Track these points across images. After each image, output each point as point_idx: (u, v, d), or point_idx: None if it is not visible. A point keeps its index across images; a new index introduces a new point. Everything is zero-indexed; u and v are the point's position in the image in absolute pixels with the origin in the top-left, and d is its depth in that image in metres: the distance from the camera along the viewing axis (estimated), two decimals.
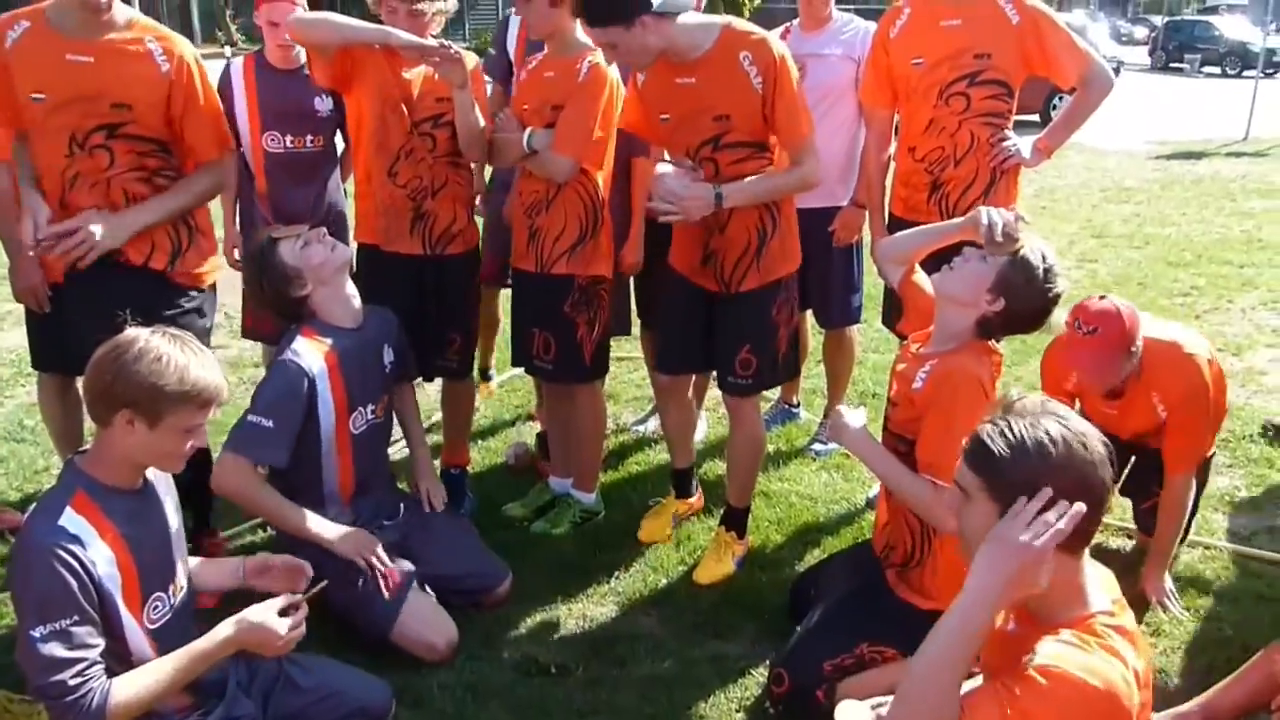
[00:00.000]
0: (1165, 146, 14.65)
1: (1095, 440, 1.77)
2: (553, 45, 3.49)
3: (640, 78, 3.32)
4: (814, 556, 3.58)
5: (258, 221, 4.04)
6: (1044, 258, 2.59)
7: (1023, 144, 3.60)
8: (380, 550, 3.02)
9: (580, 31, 3.44)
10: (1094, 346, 3.02)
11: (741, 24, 3.18)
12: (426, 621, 3.03)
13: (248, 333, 4.34)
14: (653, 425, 4.67)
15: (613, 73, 3.45)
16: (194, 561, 2.59)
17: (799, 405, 4.90)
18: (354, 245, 3.60)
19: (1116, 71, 23.79)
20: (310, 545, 2.94)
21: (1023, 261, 2.57)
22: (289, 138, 3.98)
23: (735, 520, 3.58)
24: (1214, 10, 39.06)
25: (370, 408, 3.18)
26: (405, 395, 3.54)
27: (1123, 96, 22.04)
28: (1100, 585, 1.84)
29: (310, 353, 3.02)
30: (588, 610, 3.31)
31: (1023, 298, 2.58)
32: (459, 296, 3.75)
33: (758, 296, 3.33)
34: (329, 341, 3.06)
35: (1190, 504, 3.32)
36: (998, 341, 2.73)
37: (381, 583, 2.98)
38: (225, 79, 3.98)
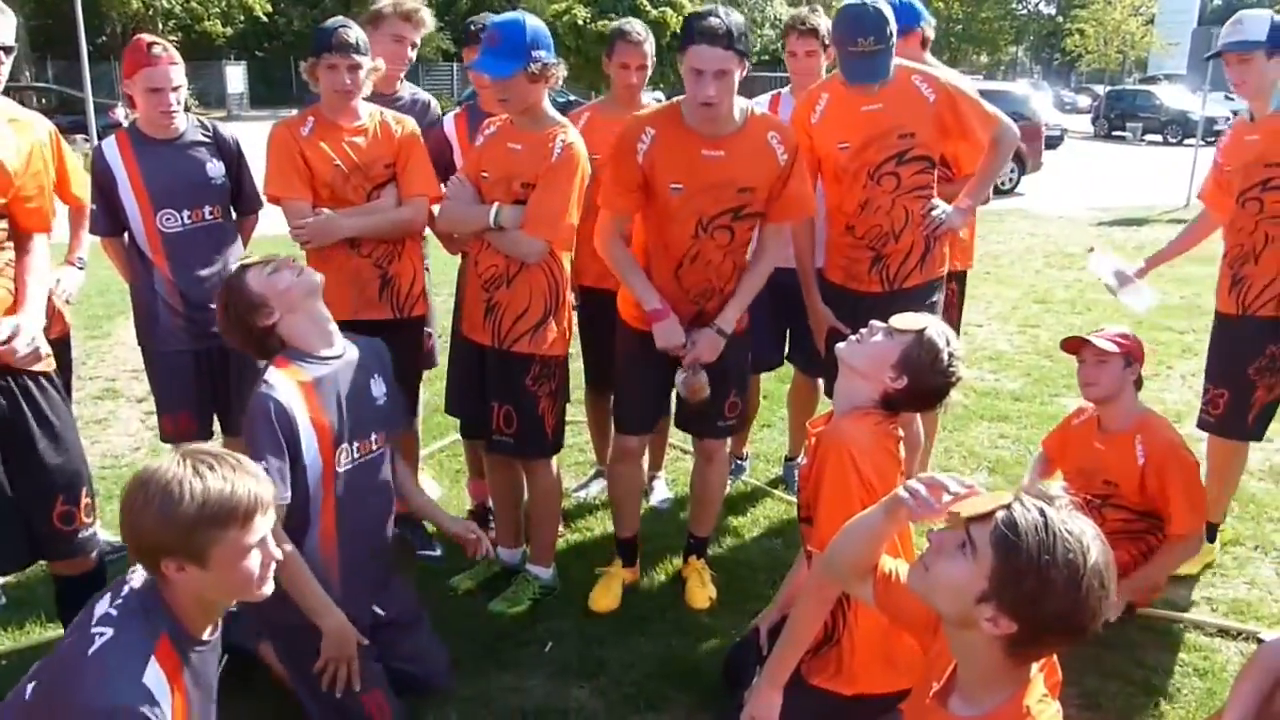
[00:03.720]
0: (1108, 213, 15.00)
1: (1109, 578, 1.65)
2: (521, 120, 3.43)
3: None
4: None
5: (160, 311, 3.72)
6: (948, 341, 2.61)
7: (946, 208, 3.70)
8: (355, 664, 2.84)
9: (550, 106, 3.46)
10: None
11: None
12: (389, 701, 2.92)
13: (167, 437, 3.94)
14: (594, 490, 4.64)
15: (582, 150, 3.42)
16: None
17: (747, 458, 4.96)
18: None
19: (1060, 139, 24.75)
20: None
21: (929, 342, 2.58)
22: (186, 213, 3.67)
23: (703, 548, 3.87)
24: (1154, 80, 40.34)
25: (356, 444, 2.96)
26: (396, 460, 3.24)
27: (1066, 164, 22.69)
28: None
29: (283, 381, 2.81)
30: (521, 682, 3.23)
31: (925, 377, 2.59)
32: (413, 351, 3.89)
33: (741, 341, 3.54)
34: (303, 367, 2.88)
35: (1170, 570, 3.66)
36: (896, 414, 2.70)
37: (329, 681, 2.82)
38: (99, 160, 3.66)
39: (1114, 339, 3.56)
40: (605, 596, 3.68)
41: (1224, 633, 3.54)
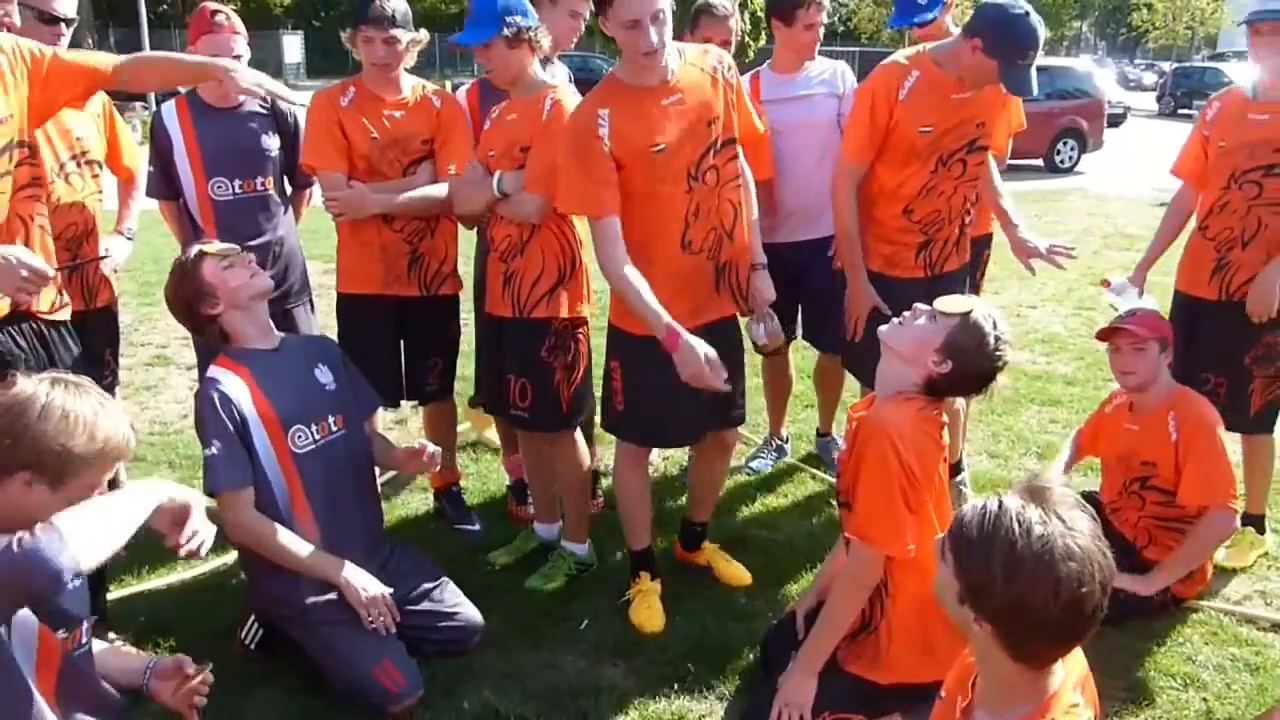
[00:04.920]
0: (1170, 193, 14.50)
1: (1070, 553, 1.57)
2: (515, 89, 3.44)
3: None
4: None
5: None
6: (995, 324, 2.53)
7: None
8: (389, 598, 3.00)
9: (539, 70, 3.43)
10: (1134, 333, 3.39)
11: None
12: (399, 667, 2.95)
13: None
14: None
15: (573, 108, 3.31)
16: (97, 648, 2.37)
17: (788, 440, 4.88)
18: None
19: (1123, 117, 24.03)
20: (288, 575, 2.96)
21: (975, 325, 2.51)
22: (238, 182, 3.72)
23: (706, 531, 3.79)
24: (1222, 57, 39.20)
25: (314, 426, 3.09)
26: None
27: (1129, 142, 22.18)
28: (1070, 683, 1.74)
29: (225, 374, 3.00)
30: (555, 659, 3.22)
31: (971, 361, 2.51)
32: (443, 327, 3.92)
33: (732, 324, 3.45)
34: (242, 361, 3.04)
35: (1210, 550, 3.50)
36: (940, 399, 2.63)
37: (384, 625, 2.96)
38: (158, 125, 3.76)
39: (1149, 325, 3.43)
40: (652, 615, 3.40)
41: (1277, 628, 3.43)
